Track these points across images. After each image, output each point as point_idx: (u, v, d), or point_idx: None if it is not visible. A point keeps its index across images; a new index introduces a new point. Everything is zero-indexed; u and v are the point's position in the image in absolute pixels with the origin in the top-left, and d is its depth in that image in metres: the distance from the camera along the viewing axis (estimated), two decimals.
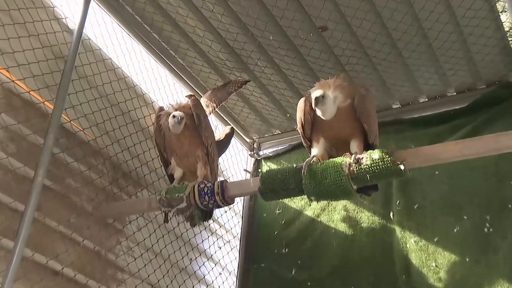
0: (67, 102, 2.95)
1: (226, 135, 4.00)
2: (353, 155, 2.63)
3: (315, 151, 2.85)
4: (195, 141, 3.15)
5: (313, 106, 2.71)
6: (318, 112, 2.72)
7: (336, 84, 2.77)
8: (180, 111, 3.10)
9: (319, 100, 2.67)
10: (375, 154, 2.55)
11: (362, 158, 2.57)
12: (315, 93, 2.71)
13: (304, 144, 3.01)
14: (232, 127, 4.16)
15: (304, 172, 2.65)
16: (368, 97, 2.77)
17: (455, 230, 3.44)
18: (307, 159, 2.77)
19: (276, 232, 4.18)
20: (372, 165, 2.53)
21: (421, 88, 3.93)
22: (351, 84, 2.94)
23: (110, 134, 3.30)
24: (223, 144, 3.96)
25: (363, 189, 2.78)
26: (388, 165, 2.50)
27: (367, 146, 2.79)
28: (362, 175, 2.55)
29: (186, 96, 3.44)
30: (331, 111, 2.72)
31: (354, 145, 2.76)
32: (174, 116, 3.04)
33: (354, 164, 2.57)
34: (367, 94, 2.78)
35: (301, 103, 2.91)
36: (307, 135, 2.93)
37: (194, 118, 3.13)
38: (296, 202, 4.21)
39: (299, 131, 2.96)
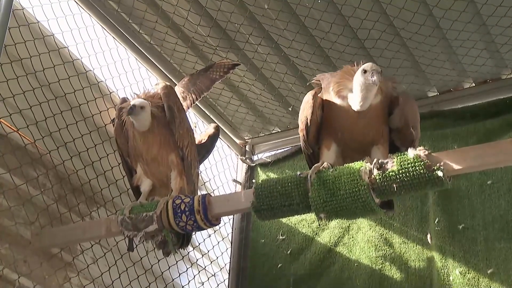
0: None
1: (209, 136, 4.01)
2: (375, 159, 2.62)
3: (325, 159, 2.85)
4: (167, 142, 3.15)
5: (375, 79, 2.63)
6: (351, 100, 2.73)
7: None
8: (149, 101, 3.10)
9: (381, 74, 2.63)
10: (404, 157, 2.54)
11: (387, 162, 2.57)
12: (371, 65, 2.70)
13: (304, 151, 3.02)
14: (217, 125, 4.16)
15: (310, 181, 2.64)
16: (411, 98, 2.85)
17: None
18: (315, 165, 2.76)
19: (279, 266, 4.19)
20: (400, 171, 2.52)
21: (466, 70, 3.93)
22: None
23: (55, 136, 3.28)
24: (206, 148, 3.96)
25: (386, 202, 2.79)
26: (421, 171, 2.49)
27: None
28: (387, 185, 2.54)
29: (156, 85, 3.44)
30: (367, 101, 2.72)
31: (378, 153, 2.78)
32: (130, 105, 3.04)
33: (376, 171, 2.56)
34: (408, 95, 2.85)
35: (308, 98, 2.92)
36: (310, 141, 2.94)
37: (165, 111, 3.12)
38: (306, 225, 4.22)
39: (300, 135, 2.98)
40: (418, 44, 3.74)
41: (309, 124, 2.90)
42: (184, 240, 3.24)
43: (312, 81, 3.08)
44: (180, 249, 3.33)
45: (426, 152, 2.53)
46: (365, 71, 2.67)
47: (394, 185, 2.54)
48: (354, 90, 2.73)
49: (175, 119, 3.12)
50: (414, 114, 2.84)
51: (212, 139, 4.01)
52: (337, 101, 2.80)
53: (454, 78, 4.02)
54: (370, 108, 2.75)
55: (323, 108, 2.88)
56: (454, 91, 4.11)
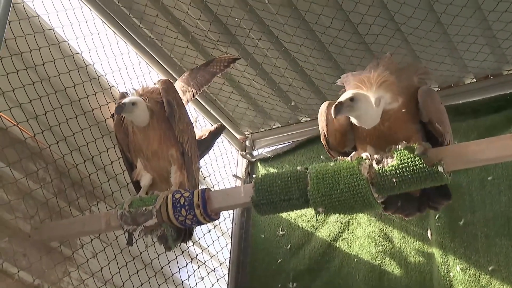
0: None
1: (210, 132, 4.01)
2: (375, 154, 2.62)
3: None
4: (167, 137, 3.14)
5: (333, 115, 2.68)
6: (353, 121, 2.73)
7: (380, 81, 2.73)
8: (145, 97, 3.10)
9: (344, 106, 2.64)
10: (404, 152, 2.54)
11: (387, 156, 2.57)
12: (344, 95, 2.69)
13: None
14: (221, 124, 4.16)
15: (309, 175, 2.65)
16: (433, 91, 2.81)
17: None
18: (355, 151, 2.73)
19: (279, 261, 4.19)
20: (400, 166, 2.52)
21: (467, 65, 3.92)
22: (400, 70, 2.91)
23: (55, 130, 3.29)
24: (206, 144, 3.97)
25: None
26: (421, 166, 2.49)
27: None
28: (387, 180, 2.54)
29: (157, 82, 3.44)
30: (372, 118, 2.70)
31: None
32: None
33: (376, 165, 2.56)
34: (431, 90, 2.80)
35: (322, 109, 2.93)
36: (333, 147, 2.95)
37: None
38: (306, 220, 4.22)
39: (323, 143, 2.98)
40: (419, 40, 3.73)
41: (326, 136, 2.92)
42: (185, 235, 3.25)
43: (338, 82, 3.04)
44: (181, 243, 3.33)
45: (426, 147, 2.53)
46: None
47: (394, 180, 2.53)
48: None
49: (174, 114, 3.11)
50: (435, 108, 2.76)
51: (213, 136, 4.01)
52: None
53: (455, 74, 4.01)
54: (389, 114, 2.72)
55: None
56: (455, 86, 4.10)
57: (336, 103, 2.66)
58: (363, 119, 2.72)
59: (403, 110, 2.72)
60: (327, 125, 2.91)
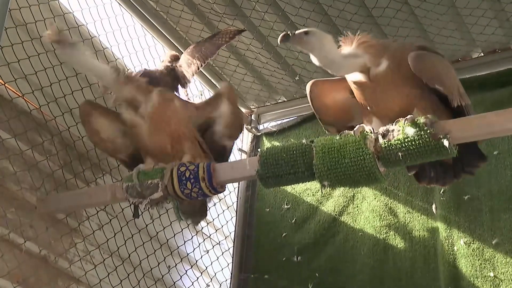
0: (0, 58, 2.93)
1: None
2: (381, 128, 2.61)
3: None
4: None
5: (278, 41, 2.75)
6: (314, 61, 2.73)
7: (360, 40, 2.75)
8: None
9: (295, 35, 2.70)
10: (409, 125, 2.53)
11: (393, 130, 2.55)
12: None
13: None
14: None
15: (315, 149, 2.64)
16: (425, 53, 2.75)
17: None
18: (360, 125, 2.70)
19: (284, 235, 4.21)
20: (406, 140, 2.50)
21: (474, 39, 3.90)
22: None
23: (60, 102, 3.29)
24: None
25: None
26: (427, 140, 2.47)
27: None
28: (392, 154, 2.53)
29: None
30: (334, 62, 2.71)
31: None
32: None
33: (381, 139, 2.55)
34: (423, 54, 2.74)
35: (307, 87, 2.98)
36: (325, 122, 3.02)
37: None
38: (311, 194, 4.23)
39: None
40: (427, 13, 3.70)
41: (316, 113, 2.98)
42: (198, 213, 3.29)
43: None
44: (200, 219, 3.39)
45: (433, 120, 2.52)
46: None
47: (400, 154, 2.52)
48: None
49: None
50: (429, 69, 2.69)
51: None
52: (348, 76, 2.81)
53: (462, 48, 3.98)
54: (378, 78, 2.71)
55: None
56: (462, 60, 4.07)
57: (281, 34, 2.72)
58: (323, 61, 2.71)
59: (393, 74, 2.69)
60: (311, 101, 2.94)
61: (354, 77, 2.78)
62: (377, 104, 2.77)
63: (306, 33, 2.70)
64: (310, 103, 3.00)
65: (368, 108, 2.81)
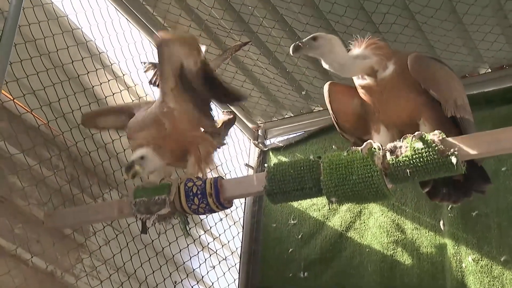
0: (9, 73, 2.94)
1: (223, 122, 3.99)
2: (388, 144, 2.61)
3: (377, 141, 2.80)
4: None
5: (291, 52, 2.72)
6: (324, 65, 2.72)
7: (369, 42, 2.75)
8: None
9: (304, 44, 2.69)
10: (417, 142, 2.52)
11: (401, 147, 2.54)
12: None
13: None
14: (231, 112, 4.14)
15: (322, 165, 2.63)
16: (425, 57, 2.76)
17: None
18: (368, 141, 2.67)
19: (290, 250, 4.20)
20: (414, 156, 2.49)
21: (482, 55, 3.90)
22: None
23: (68, 117, 3.30)
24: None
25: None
26: (435, 156, 2.46)
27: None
28: (400, 170, 2.52)
29: None
30: (343, 64, 2.70)
31: (425, 128, 2.70)
32: None
33: (389, 156, 2.55)
34: (422, 56, 2.75)
35: (325, 88, 2.94)
36: (343, 128, 2.96)
37: None
38: (317, 210, 4.22)
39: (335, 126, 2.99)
40: (434, 29, 3.71)
41: (334, 117, 2.93)
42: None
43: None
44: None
45: (440, 137, 2.52)
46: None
47: (408, 171, 2.51)
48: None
49: None
50: (425, 74, 2.68)
51: (226, 126, 4.00)
52: (356, 81, 2.81)
53: (469, 64, 3.99)
54: (384, 83, 2.71)
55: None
56: (470, 76, 4.07)
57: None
58: (332, 64, 2.70)
59: (398, 78, 2.68)
60: (330, 103, 2.91)
61: (361, 81, 2.78)
62: (384, 110, 2.76)
63: (314, 38, 2.70)
64: (328, 103, 2.93)
65: (376, 114, 2.80)
